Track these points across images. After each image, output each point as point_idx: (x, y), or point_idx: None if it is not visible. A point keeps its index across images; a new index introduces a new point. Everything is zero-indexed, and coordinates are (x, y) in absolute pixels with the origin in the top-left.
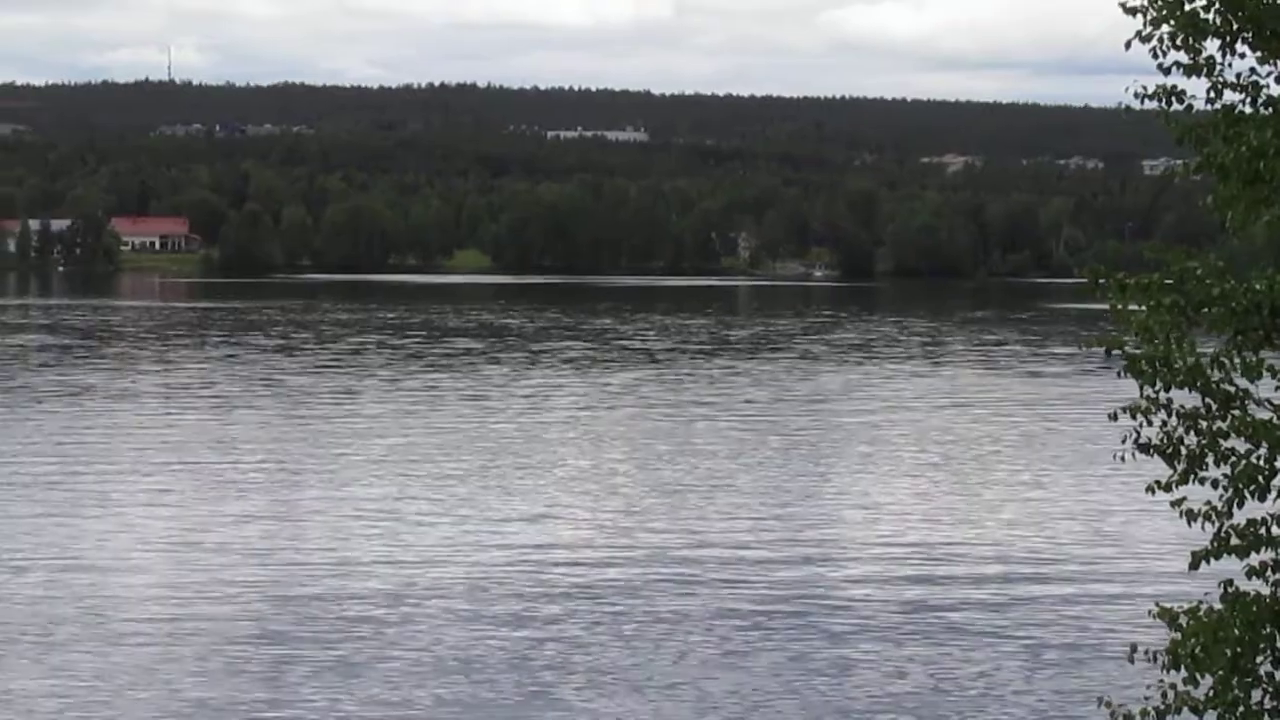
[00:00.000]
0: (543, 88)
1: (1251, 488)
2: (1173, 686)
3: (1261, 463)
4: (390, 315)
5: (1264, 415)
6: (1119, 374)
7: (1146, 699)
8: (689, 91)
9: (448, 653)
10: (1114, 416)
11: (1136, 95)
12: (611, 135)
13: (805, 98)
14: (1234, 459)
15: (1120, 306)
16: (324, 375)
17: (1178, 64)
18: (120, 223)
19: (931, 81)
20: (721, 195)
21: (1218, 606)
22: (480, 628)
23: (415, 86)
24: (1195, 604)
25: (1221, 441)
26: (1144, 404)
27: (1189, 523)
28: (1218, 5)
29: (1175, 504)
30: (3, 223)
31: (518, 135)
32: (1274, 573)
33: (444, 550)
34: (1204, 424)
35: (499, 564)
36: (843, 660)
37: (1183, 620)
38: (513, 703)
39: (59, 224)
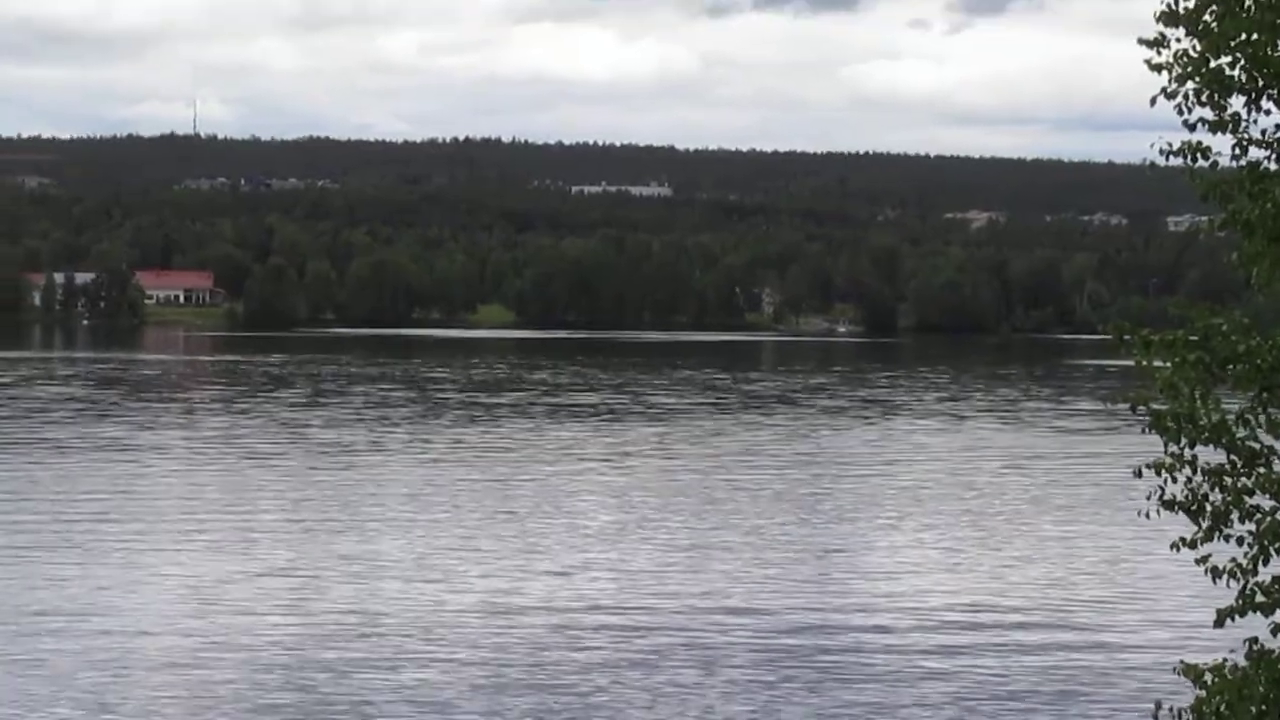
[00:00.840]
0: (567, 143)
1: (1277, 544)
2: None
3: None
4: (414, 369)
5: None
6: (1144, 430)
7: None
8: (713, 146)
9: (473, 707)
10: (1139, 473)
11: (1161, 151)
12: (635, 190)
13: (828, 153)
14: (1259, 516)
15: (1145, 363)
16: (349, 428)
17: (1203, 120)
18: (145, 276)
19: (954, 137)
20: (745, 250)
21: (1243, 664)
22: (506, 682)
23: (440, 141)
24: (1220, 661)
25: (1246, 498)
26: (1169, 460)
27: (1214, 580)
28: (1243, 62)
29: (1200, 561)
30: (28, 276)
31: (542, 190)
32: None
33: (469, 604)
34: (1229, 481)
35: (524, 617)
36: (870, 714)
37: (1208, 678)
38: None
39: (84, 277)
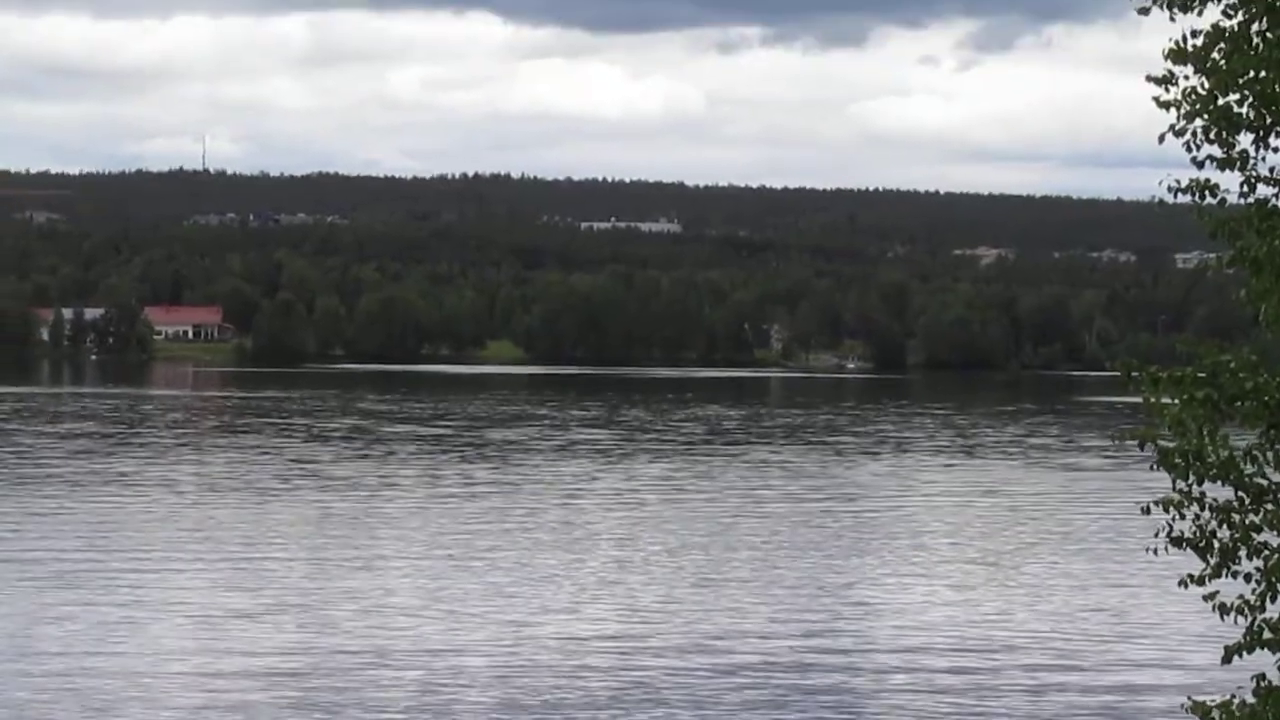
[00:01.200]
0: (576, 179)
1: None
2: None
3: None
4: (424, 405)
5: None
6: (1152, 467)
7: None
8: (722, 183)
9: None
10: (1146, 510)
11: (1170, 189)
12: (644, 226)
13: (837, 189)
14: (1267, 552)
15: (1153, 400)
16: (358, 464)
17: (1211, 158)
18: (154, 312)
19: (963, 174)
20: (754, 287)
21: (1250, 700)
22: (515, 717)
23: (449, 177)
24: (1228, 698)
25: (1254, 535)
26: (1177, 497)
27: (1221, 616)
28: (1251, 99)
29: (1208, 598)
30: (37, 311)
31: (551, 226)
32: None
33: (478, 639)
34: (1236, 517)
35: (533, 653)
36: None
37: (1215, 714)
38: None
39: (92, 313)
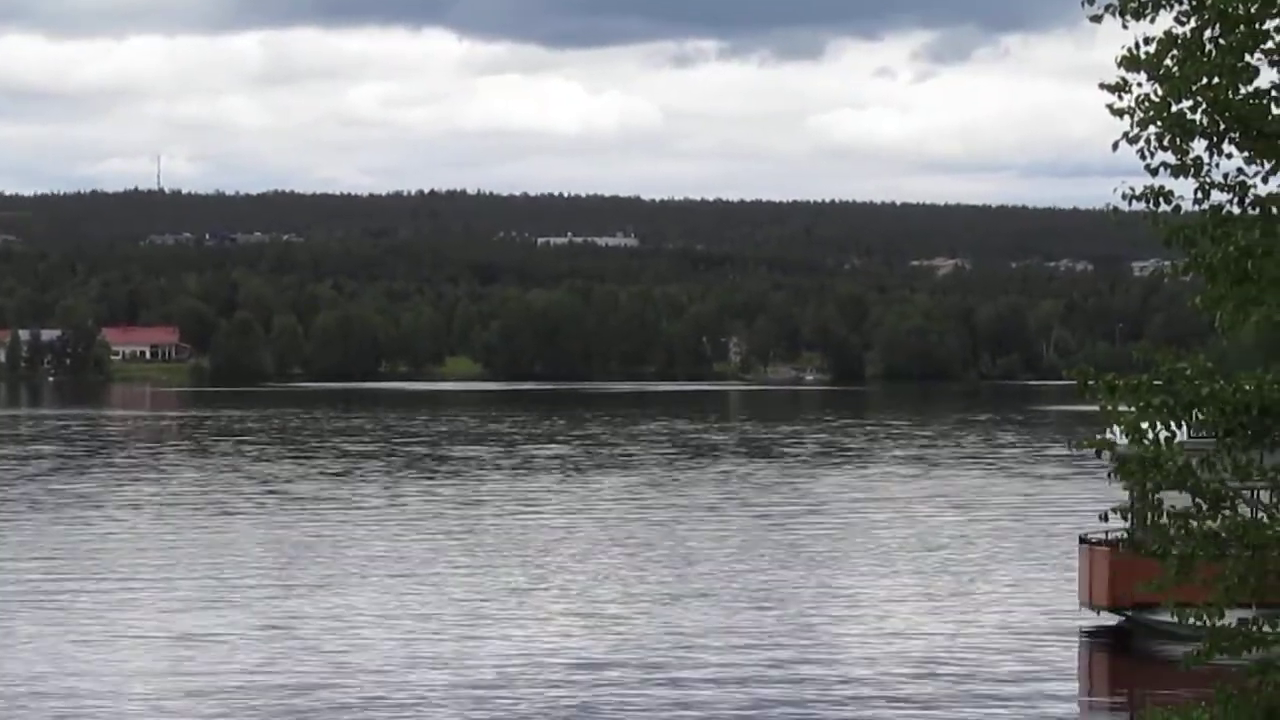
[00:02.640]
0: (532, 194)
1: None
2: None
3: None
4: (383, 422)
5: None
6: (1108, 476)
7: None
8: (678, 197)
9: None
10: (1105, 517)
11: (1124, 197)
12: (601, 241)
13: (794, 202)
14: (1225, 559)
15: (1110, 407)
16: (318, 483)
17: (1165, 165)
18: (111, 332)
19: (920, 185)
20: (712, 300)
21: (1212, 706)
22: None
23: (405, 194)
24: (1188, 703)
25: (1211, 542)
26: (1134, 504)
27: (1180, 621)
28: (1204, 106)
29: (1175, 606)
30: None
31: (508, 242)
32: (1266, 671)
33: (439, 654)
34: (1194, 524)
35: (495, 668)
36: None
37: None
38: None
39: (49, 334)
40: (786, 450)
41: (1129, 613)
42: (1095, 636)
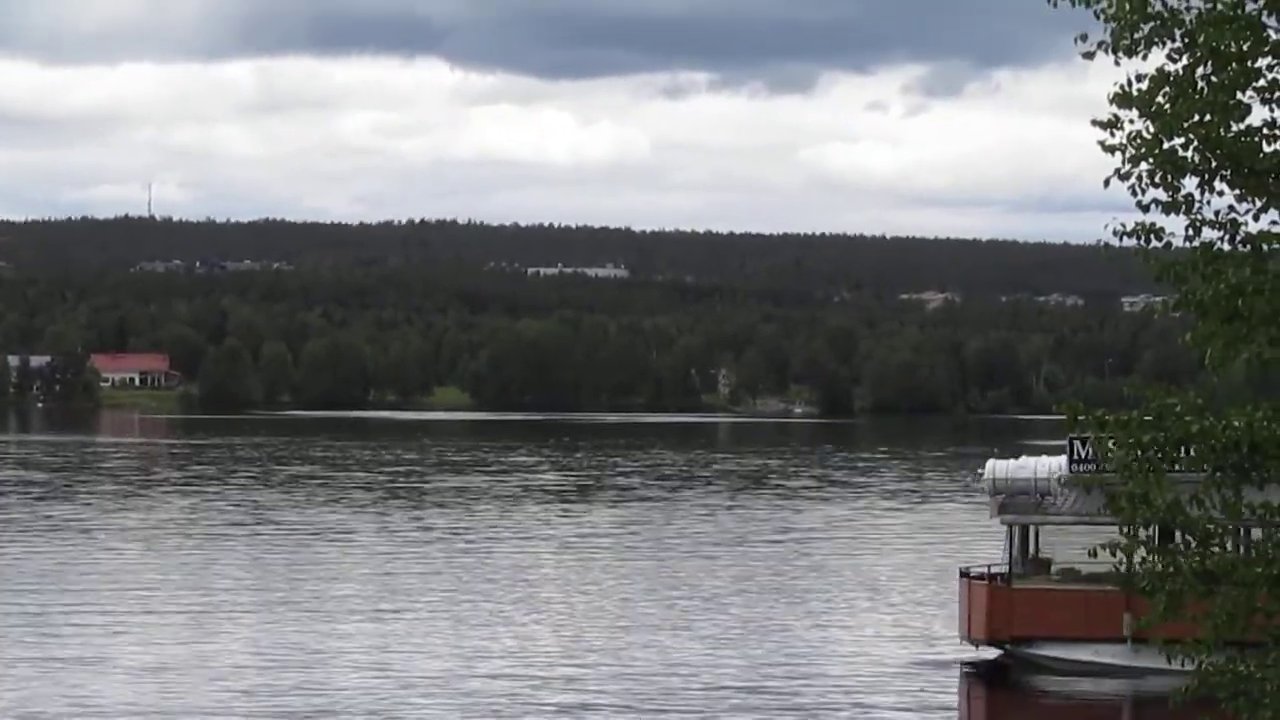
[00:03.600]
0: (523, 224)
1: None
2: None
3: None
4: (372, 451)
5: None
6: (1099, 510)
7: None
8: (668, 228)
9: None
10: (1094, 553)
11: (1115, 233)
12: (591, 272)
13: (784, 234)
14: (1215, 596)
15: (1100, 441)
16: (306, 511)
17: (1156, 201)
18: (100, 359)
19: (910, 218)
20: (701, 332)
21: None
22: None
23: (395, 223)
24: None
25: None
26: (1124, 541)
27: (1169, 660)
28: (1196, 143)
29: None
30: None
31: (497, 272)
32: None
33: (427, 684)
34: (1184, 561)
35: (482, 698)
36: None
37: None
38: None
39: (39, 360)
40: (774, 482)
41: (1007, 646)
42: (975, 670)
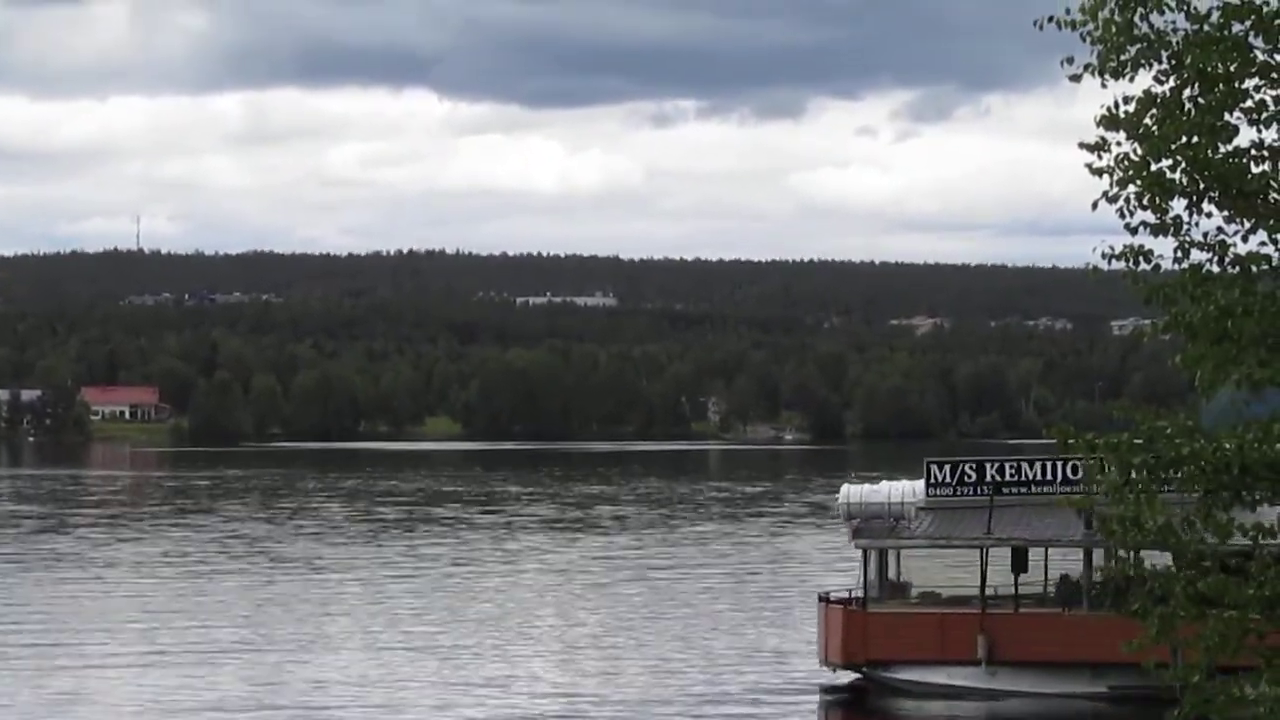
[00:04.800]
0: (511, 254)
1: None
2: None
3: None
4: (363, 483)
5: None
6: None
7: None
8: (657, 256)
9: None
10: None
11: (1104, 256)
12: (580, 301)
13: (773, 261)
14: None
15: (1090, 465)
16: (298, 544)
17: (1145, 224)
18: (90, 392)
19: (899, 243)
20: (691, 359)
21: None
22: None
23: (384, 254)
24: None
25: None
26: (1115, 565)
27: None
28: (1184, 165)
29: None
30: None
31: (487, 302)
32: None
33: (418, 713)
34: (1176, 587)
35: None
36: None
37: None
38: None
39: (29, 394)
40: (766, 508)
41: (864, 670)
42: (833, 694)
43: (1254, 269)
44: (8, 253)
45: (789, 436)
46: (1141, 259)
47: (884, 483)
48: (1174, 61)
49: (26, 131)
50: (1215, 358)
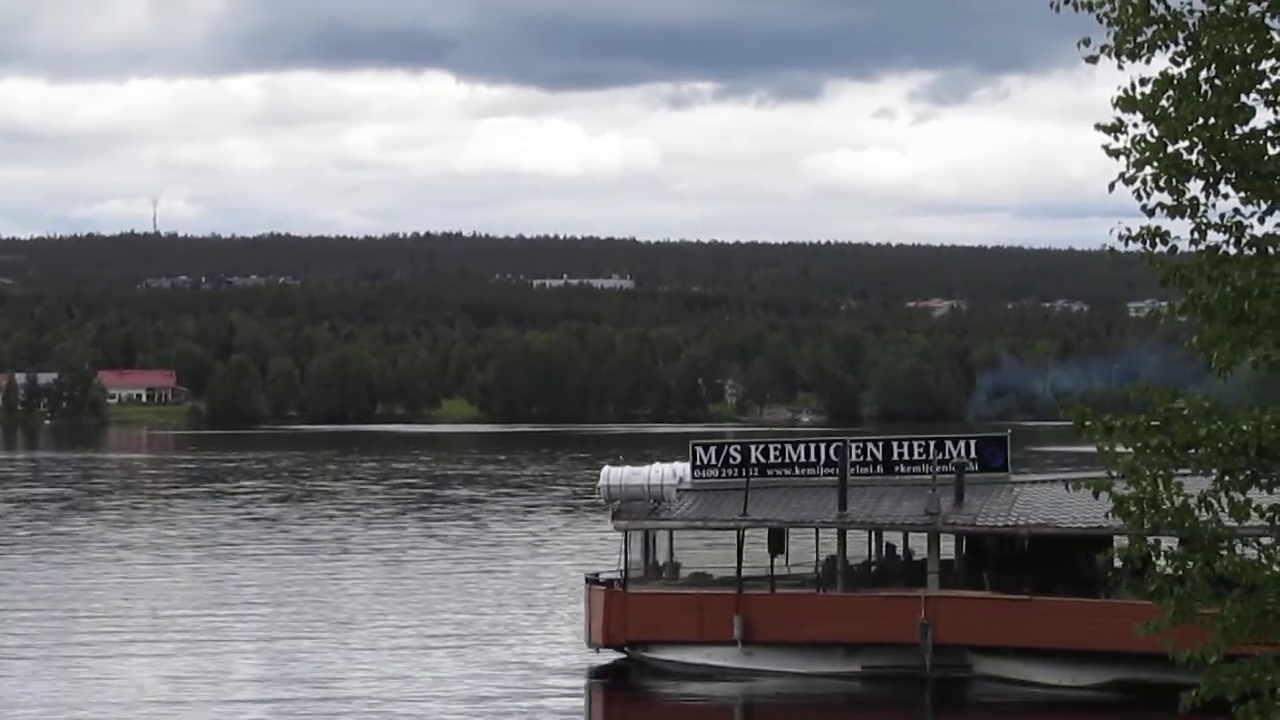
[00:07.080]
0: (528, 236)
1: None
2: None
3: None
4: (380, 465)
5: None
6: (1107, 515)
7: None
8: (674, 239)
9: None
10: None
11: (1121, 237)
12: (597, 283)
13: (790, 243)
14: (1224, 599)
15: (1106, 447)
16: (316, 526)
17: (1161, 205)
18: (107, 376)
19: (916, 225)
20: (708, 341)
21: None
22: None
23: (401, 236)
24: None
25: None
26: (1134, 546)
27: (1170, 661)
28: (1200, 146)
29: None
30: None
31: (503, 284)
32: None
33: (442, 702)
34: (1192, 564)
35: (490, 707)
36: None
37: None
38: None
39: (46, 377)
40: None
41: (626, 650)
42: (599, 674)
43: (1271, 250)
44: (24, 235)
45: (805, 418)
46: (1158, 240)
47: (645, 465)
48: (1190, 43)
49: (45, 114)
50: (1232, 339)
